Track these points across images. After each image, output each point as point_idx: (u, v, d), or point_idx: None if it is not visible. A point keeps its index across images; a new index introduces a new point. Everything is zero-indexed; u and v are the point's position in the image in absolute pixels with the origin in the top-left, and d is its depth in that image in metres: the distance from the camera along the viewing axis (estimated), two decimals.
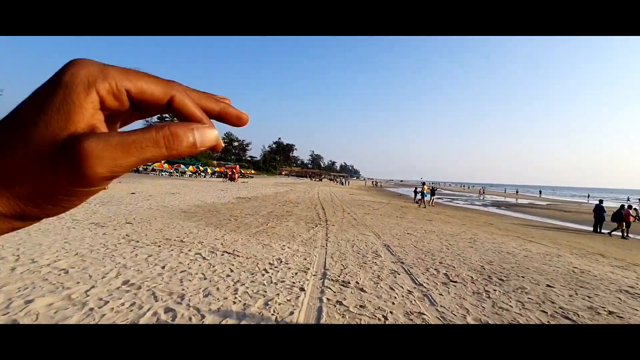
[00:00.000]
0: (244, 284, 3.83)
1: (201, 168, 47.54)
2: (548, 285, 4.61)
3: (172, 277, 3.89)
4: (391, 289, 4.09)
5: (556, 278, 5.07)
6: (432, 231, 9.45)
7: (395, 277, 4.59)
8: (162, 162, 48.14)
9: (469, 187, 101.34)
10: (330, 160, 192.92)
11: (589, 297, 4.26)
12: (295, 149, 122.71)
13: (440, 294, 4.00)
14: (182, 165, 44.94)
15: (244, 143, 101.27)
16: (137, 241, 5.65)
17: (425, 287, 4.22)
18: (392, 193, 42.55)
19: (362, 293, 3.86)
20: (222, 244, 5.94)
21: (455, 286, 4.34)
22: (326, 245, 6.44)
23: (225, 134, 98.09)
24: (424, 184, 22.89)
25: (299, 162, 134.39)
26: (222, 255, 5.12)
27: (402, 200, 25.98)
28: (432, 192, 23.84)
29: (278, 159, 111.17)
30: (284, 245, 6.18)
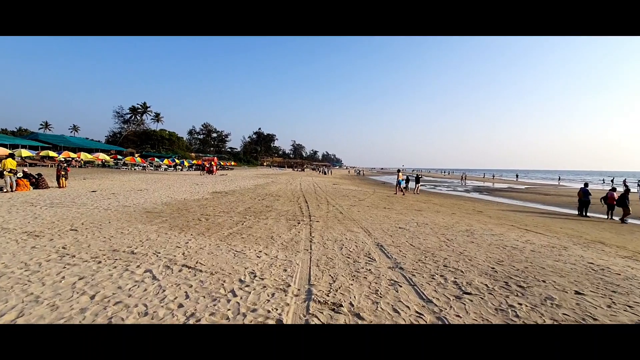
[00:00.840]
0: (199, 320, 2.82)
1: (177, 161, 45.41)
2: (577, 292, 3.85)
3: (99, 314, 2.83)
4: (395, 310, 3.20)
5: (580, 280, 4.34)
6: (424, 223, 8.69)
7: (397, 291, 3.71)
8: (135, 155, 45.63)
9: (448, 173, 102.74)
10: (312, 150, 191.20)
11: (629, 306, 3.53)
12: (276, 139, 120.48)
13: (457, 315, 3.15)
14: (156, 159, 42.71)
15: (223, 134, 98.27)
16: (74, 256, 4.51)
17: (436, 305, 3.35)
18: (376, 181, 42.07)
19: (360, 322, 2.95)
20: (183, 253, 4.88)
21: (472, 301, 3.50)
22: (310, 249, 5.49)
23: (202, 125, 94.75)
24: (399, 171, 22.52)
25: (280, 152, 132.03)
26: (179, 271, 4.07)
27: (387, 189, 25.38)
28: (417, 179, 23.36)
29: (259, 149, 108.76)
30: (261, 251, 5.19)
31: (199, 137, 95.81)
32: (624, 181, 44.79)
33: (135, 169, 37.38)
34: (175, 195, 12.71)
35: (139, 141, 66.89)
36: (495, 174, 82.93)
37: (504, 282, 4.13)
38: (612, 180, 48.47)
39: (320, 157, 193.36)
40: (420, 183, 24.12)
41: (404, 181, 23.62)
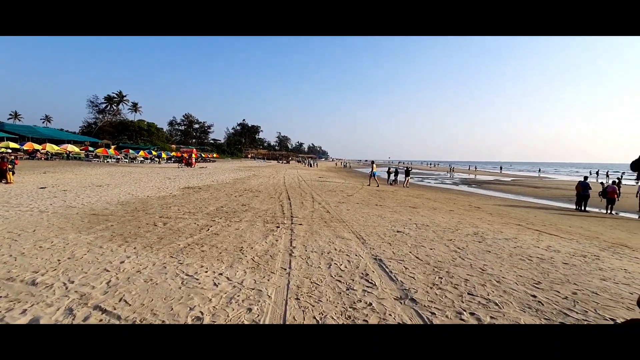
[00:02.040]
0: None
1: (154, 153, 43.02)
2: None
3: None
4: None
5: None
6: (424, 225, 7.50)
7: None
8: (111, 147, 42.97)
9: (434, 165, 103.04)
10: (298, 142, 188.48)
11: None
12: (261, 130, 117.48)
13: None
14: (131, 150, 40.26)
15: (206, 125, 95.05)
16: None
17: None
18: (364, 174, 40.96)
19: None
20: (108, 282, 3.47)
21: None
22: (289, 267, 4.18)
23: (184, 116, 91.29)
24: (373, 162, 22.18)
25: (265, 144, 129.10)
26: (84, 320, 2.68)
27: (375, 183, 24.26)
28: (407, 172, 22.39)
29: (243, 141, 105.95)
30: (221, 274, 3.84)
31: (180, 128, 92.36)
32: (607, 173, 45.32)
33: (107, 162, 34.94)
34: (139, 192, 11.10)
35: (116, 132, 63.52)
36: (477, 166, 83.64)
37: (561, 323, 2.92)
38: (607, 174, 48.07)
39: (306, 149, 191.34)
40: (410, 176, 23.13)
41: (377, 172, 22.98)
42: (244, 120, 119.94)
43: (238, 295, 3.26)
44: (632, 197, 16.32)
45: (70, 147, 35.30)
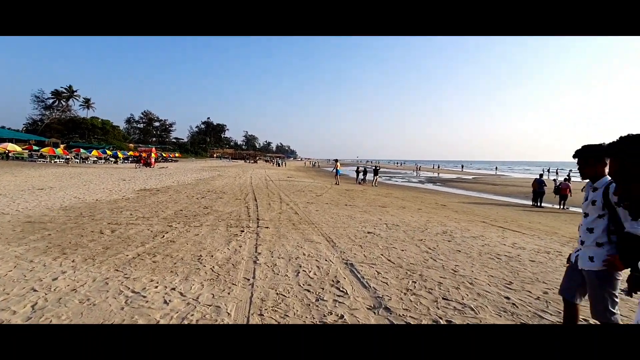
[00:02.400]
0: None
1: (109, 152, 40.18)
2: None
3: None
4: None
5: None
6: (395, 225, 7.40)
7: None
8: (61, 146, 39.51)
9: (401, 164, 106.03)
10: (266, 141, 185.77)
11: None
12: (227, 129, 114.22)
13: None
14: (82, 150, 37.27)
15: (167, 123, 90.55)
16: None
17: None
18: (332, 173, 41.08)
19: None
20: (34, 304, 2.91)
21: None
22: (253, 277, 3.80)
23: (143, 113, 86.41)
24: (336, 160, 22.42)
25: (232, 143, 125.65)
26: None
27: (344, 182, 24.28)
28: (375, 171, 22.63)
29: (208, 140, 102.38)
30: (174, 289, 3.38)
31: (138, 126, 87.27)
32: (557, 171, 48.90)
33: (55, 162, 31.99)
34: (87, 196, 10.07)
35: (65, 130, 58.60)
36: (441, 165, 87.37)
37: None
38: (556, 172, 51.47)
39: (274, 149, 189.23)
40: (378, 175, 23.39)
41: (340, 170, 23.33)
42: (208, 118, 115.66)
43: (192, 314, 2.84)
44: (580, 193, 17.55)
45: (11, 146, 31.84)
